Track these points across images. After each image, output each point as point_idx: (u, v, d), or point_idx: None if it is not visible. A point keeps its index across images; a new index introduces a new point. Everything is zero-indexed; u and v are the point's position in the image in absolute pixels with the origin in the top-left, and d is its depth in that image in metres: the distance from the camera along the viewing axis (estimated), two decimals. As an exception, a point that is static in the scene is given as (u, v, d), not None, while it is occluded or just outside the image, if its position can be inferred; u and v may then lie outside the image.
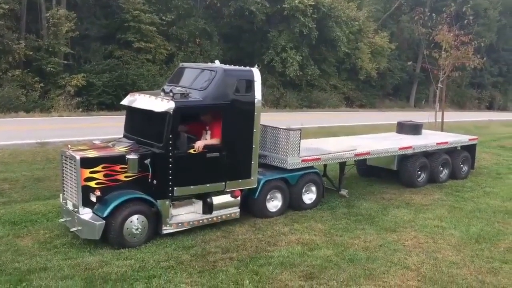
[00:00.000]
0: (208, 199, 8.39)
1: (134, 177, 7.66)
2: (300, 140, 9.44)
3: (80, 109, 24.03)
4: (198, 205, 8.47)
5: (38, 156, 13.63)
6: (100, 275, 6.56)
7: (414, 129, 14.06)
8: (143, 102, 8.25)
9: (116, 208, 7.36)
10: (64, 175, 7.94)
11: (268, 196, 9.23)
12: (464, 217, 9.88)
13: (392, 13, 44.81)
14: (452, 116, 28.65)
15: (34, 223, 8.53)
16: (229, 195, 8.60)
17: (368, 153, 11.05)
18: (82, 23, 26.43)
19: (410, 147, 11.95)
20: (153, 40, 28.04)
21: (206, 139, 8.38)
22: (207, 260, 7.21)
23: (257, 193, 8.99)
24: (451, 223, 9.43)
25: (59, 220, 8.18)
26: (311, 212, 9.72)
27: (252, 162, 8.74)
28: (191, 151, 7.93)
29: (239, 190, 8.74)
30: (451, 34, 18.96)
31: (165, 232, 7.94)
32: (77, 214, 7.49)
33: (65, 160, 7.85)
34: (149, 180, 7.74)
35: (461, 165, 13.45)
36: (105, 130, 15.36)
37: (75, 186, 7.52)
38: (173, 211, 8.14)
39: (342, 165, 11.05)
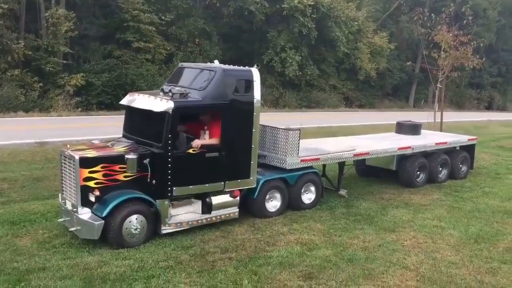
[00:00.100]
0: (207, 199, 8.40)
1: (133, 177, 7.66)
2: (299, 140, 9.45)
3: (79, 109, 24.01)
4: (197, 205, 8.47)
5: (37, 156, 13.63)
6: (99, 275, 6.56)
7: (413, 129, 14.07)
8: (142, 102, 8.25)
9: (115, 208, 7.36)
10: (63, 175, 7.94)
11: (267, 196, 9.23)
12: (463, 217, 9.89)
13: (391, 13, 44.83)
14: (451, 116, 28.68)
15: (33, 223, 8.52)
16: (228, 195, 8.60)
17: (367, 153, 11.05)
18: (81, 23, 26.40)
19: (409, 147, 11.96)
20: (152, 40, 28.02)
21: (205, 139, 8.38)
22: (206, 260, 7.21)
23: (256, 193, 8.99)
24: (450, 223, 9.44)
25: (58, 220, 8.19)
26: (310, 212, 9.72)
27: (251, 162, 8.75)
28: (190, 151, 7.93)
29: (238, 190, 8.74)
30: (450, 34, 18.98)
31: (164, 232, 7.94)
32: (76, 214, 7.48)
33: (64, 160, 7.85)
34: (148, 180, 7.74)
35: (460, 165, 13.47)
36: (104, 130, 15.36)
37: (74, 186, 7.52)
38: (172, 211, 8.14)
39: (341, 165, 11.05)
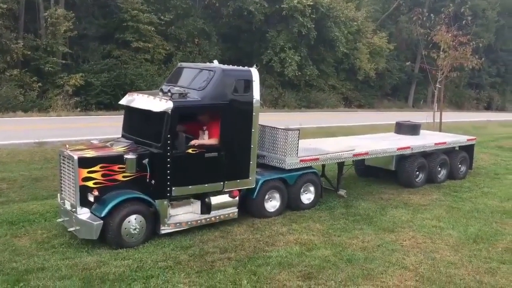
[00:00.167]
0: (206, 199, 8.40)
1: (132, 177, 7.66)
2: (298, 140, 9.44)
3: (78, 109, 23.98)
4: (196, 205, 8.47)
5: (36, 156, 13.61)
6: (98, 275, 6.56)
7: (412, 129, 14.08)
8: (141, 102, 8.25)
9: (114, 208, 7.35)
10: (62, 175, 7.93)
11: (267, 196, 9.23)
12: (462, 217, 9.89)
13: (390, 13, 44.84)
14: (450, 116, 28.69)
15: (32, 223, 8.52)
16: (227, 195, 8.60)
17: (366, 153, 11.05)
18: (80, 23, 26.38)
19: (408, 147, 11.96)
20: (152, 40, 28.00)
21: (204, 139, 8.37)
22: (205, 260, 7.21)
23: (255, 193, 8.99)
24: (449, 223, 9.44)
25: (57, 220, 8.18)
26: (309, 212, 9.72)
27: (251, 162, 8.74)
28: (190, 151, 7.92)
29: (237, 190, 8.74)
30: (450, 35, 19.00)
31: (163, 232, 7.94)
32: (75, 214, 7.48)
33: (63, 160, 7.84)
34: (147, 180, 7.74)
35: (459, 166, 13.48)
36: (103, 130, 15.36)
37: (73, 186, 7.51)
38: (171, 211, 8.14)
39: (341, 165, 11.04)
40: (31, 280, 6.32)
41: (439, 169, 12.85)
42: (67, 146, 8.03)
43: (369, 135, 14.37)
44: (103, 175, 7.50)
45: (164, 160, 7.72)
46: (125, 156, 7.54)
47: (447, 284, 6.81)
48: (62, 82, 24.35)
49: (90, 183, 7.42)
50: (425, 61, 22.52)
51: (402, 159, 12.08)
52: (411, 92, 46.74)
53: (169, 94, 7.90)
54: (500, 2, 48.55)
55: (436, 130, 18.16)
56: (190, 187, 8.10)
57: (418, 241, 8.42)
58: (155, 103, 7.85)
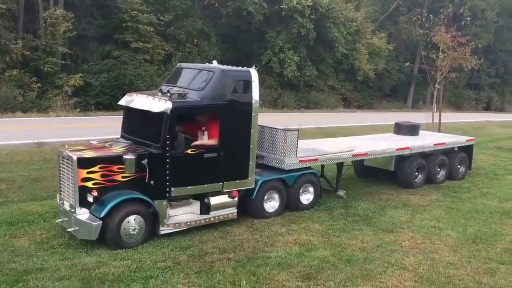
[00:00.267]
0: (206, 200, 8.40)
1: (131, 177, 7.65)
2: (297, 140, 9.45)
3: (78, 109, 23.97)
4: (196, 206, 8.47)
5: (35, 156, 13.60)
6: (97, 275, 6.56)
7: (411, 130, 14.09)
8: (140, 102, 8.24)
9: (113, 209, 7.35)
10: (61, 175, 7.92)
11: (266, 197, 9.23)
12: (461, 218, 9.90)
13: (390, 14, 44.85)
14: (450, 117, 28.70)
15: (31, 223, 8.51)
16: (227, 195, 8.60)
17: (365, 154, 11.06)
18: (79, 23, 26.37)
19: (408, 148, 11.97)
20: (151, 41, 27.99)
21: (203, 139, 8.37)
22: (204, 260, 7.21)
23: (255, 193, 8.99)
24: (448, 224, 9.45)
25: (56, 221, 8.18)
26: (309, 213, 9.72)
27: (250, 163, 8.74)
28: (189, 151, 7.92)
29: (237, 190, 8.74)
30: (449, 35, 19.01)
31: (162, 232, 7.94)
32: (74, 214, 7.48)
33: (62, 160, 7.83)
34: (147, 181, 7.74)
35: (458, 166, 13.49)
36: (103, 130, 15.34)
37: (72, 187, 7.51)
38: (171, 212, 8.14)
39: (340, 165, 11.04)
40: (30, 281, 6.32)
41: (438, 169, 12.86)
42: (66, 146, 8.02)
43: (368, 135, 14.38)
44: (102, 176, 7.50)
45: (163, 161, 7.71)
46: (124, 157, 7.53)
47: (446, 285, 6.82)
48: (61, 83, 24.33)
49: (89, 184, 7.42)
50: (424, 62, 22.52)
51: (401, 159, 12.09)
52: (410, 93, 46.76)
53: (168, 94, 7.89)
54: (499, 2, 48.60)
55: (435, 130, 18.16)
56: (189, 187, 8.10)
57: (417, 242, 8.43)
58: (154, 103, 7.85)
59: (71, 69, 25.64)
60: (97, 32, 27.29)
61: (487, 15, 47.04)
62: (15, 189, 10.77)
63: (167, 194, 7.87)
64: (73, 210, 7.53)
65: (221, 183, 8.42)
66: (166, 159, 7.72)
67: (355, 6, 38.44)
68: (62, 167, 7.84)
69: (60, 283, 6.28)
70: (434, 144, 12.77)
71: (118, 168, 7.57)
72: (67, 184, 7.72)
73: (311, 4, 31.60)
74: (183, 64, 9.91)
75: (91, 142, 8.52)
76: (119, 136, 8.83)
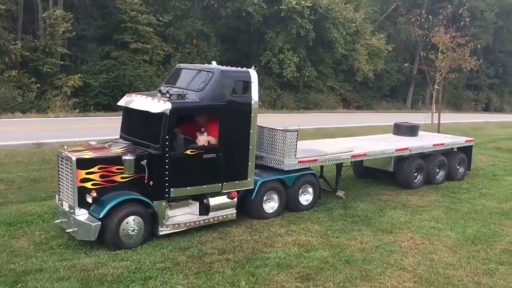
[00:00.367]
0: (205, 200, 8.40)
1: (130, 178, 7.65)
2: (297, 141, 9.44)
3: (77, 110, 23.96)
4: (195, 206, 8.46)
5: (34, 157, 13.59)
6: (96, 276, 6.55)
7: (410, 130, 14.10)
8: (139, 103, 8.24)
9: (112, 209, 7.34)
10: (60, 176, 7.92)
11: (265, 197, 9.23)
12: (460, 219, 9.90)
13: (389, 14, 44.88)
14: (449, 117, 28.71)
15: (30, 224, 8.50)
16: (226, 196, 8.60)
17: (364, 155, 11.06)
18: (79, 24, 26.36)
19: (407, 148, 11.97)
20: (150, 41, 27.99)
21: (203, 140, 8.36)
22: (203, 261, 7.20)
23: (254, 194, 8.99)
24: (447, 225, 9.45)
25: (55, 221, 8.16)
26: (308, 214, 9.72)
27: (249, 163, 8.74)
28: (188, 152, 7.92)
29: (236, 191, 8.74)
30: (448, 36, 19.03)
31: (161, 233, 7.93)
32: (73, 215, 7.47)
33: (61, 161, 7.83)
34: (146, 181, 7.73)
35: (458, 167, 13.50)
36: (102, 131, 15.33)
37: (71, 187, 7.50)
38: (170, 212, 8.13)
39: (339, 166, 11.05)
40: (29, 282, 6.31)
41: (437, 170, 12.87)
42: (65, 147, 8.01)
43: (367, 136, 14.38)
44: (101, 176, 7.49)
45: (162, 161, 7.71)
46: (123, 157, 7.53)
47: (445, 285, 6.82)
48: (60, 83, 24.32)
49: (88, 184, 7.41)
50: (424, 63, 22.51)
51: (401, 160, 12.09)
52: (410, 93, 46.80)
53: (168, 95, 7.89)
54: (498, 3, 48.66)
55: (435, 131, 18.17)
56: (188, 188, 8.10)
57: (416, 242, 8.43)
58: (153, 104, 7.85)
59: (70, 70, 25.62)
60: (96, 33, 27.29)
61: (486, 15, 47.09)
62: (14, 190, 10.76)
63: (166, 195, 7.86)
64: (72, 210, 7.52)
65: (220, 184, 8.41)
66: (165, 159, 7.71)
67: (354, 7, 38.48)
68: (61, 168, 7.84)
69: (59, 284, 6.27)
70: (433, 145, 12.78)
71: (117, 169, 7.57)
72: (66, 184, 7.71)
73: (310, 4, 31.61)
74: (182, 65, 9.90)
75: (90, 142, 8.52)
76: (118, 136, 8.82)
